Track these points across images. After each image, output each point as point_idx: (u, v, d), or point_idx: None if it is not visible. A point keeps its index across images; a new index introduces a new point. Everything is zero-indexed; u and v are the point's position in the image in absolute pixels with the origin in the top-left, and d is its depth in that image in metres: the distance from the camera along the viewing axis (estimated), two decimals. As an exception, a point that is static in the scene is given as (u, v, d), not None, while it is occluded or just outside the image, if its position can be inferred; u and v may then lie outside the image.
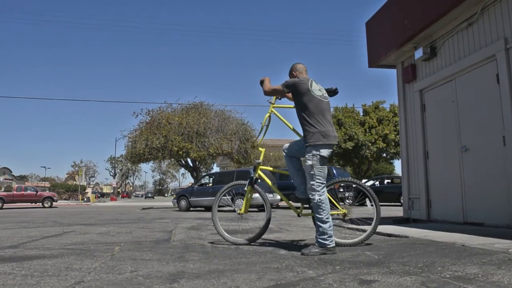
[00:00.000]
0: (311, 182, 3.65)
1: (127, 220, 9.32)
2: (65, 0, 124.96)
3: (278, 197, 14.72)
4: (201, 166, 24.28)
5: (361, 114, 24.59)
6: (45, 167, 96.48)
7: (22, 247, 4.21)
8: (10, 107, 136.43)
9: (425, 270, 2.69)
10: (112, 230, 6.29)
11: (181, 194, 15.93)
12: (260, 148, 4.58)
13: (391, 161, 27.41)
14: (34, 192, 23.69)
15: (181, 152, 18.49)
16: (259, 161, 4.31)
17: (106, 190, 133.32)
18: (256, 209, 14.25)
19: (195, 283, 2.44)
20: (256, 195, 4.41)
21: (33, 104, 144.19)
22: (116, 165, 69.19)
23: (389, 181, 19.18)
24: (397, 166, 66.82)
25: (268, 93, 3.98)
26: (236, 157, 20.51)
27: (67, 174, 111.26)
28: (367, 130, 23.10)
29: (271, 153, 34.99)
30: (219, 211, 4.50)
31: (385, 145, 22.74)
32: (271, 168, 4.58)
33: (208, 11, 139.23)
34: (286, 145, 4.10)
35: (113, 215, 12.53)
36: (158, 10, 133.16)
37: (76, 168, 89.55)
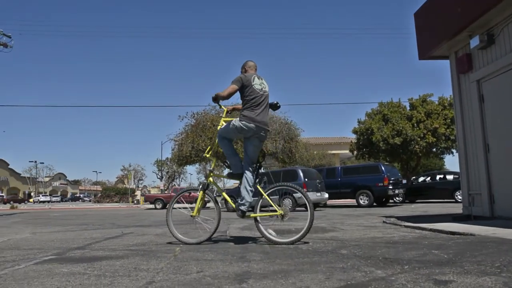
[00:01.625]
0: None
1: (179, 221, 9.51)
2: (103, 10, 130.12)
3: (326, 195, 14.54)
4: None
5: (408, 108, 23.81)
6: (96, 171, 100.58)
7: (89, 248, 4.38)
8: (63, 115, 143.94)
9: (504, 270, 2.54)
10: (167, 231, 6.42)
11: (228, 195, 16.11)
12: (211, 158, 5.12)
13: (442, 156, 26.31)
14: (188, 194, 25.06)
15: (226, 153, 18.77)
16: (211, 168, 4.96)
17: (153, 192, 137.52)
18: (303, 208, 14.17)
19: (263, 283, 2.43)
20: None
21: (84, 111, 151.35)
22: (162, 168, 70.85)
23: (441, 176, 18.44)
24: (448, 161, 64.09)
25: (227, 95, 4.45)
26: (281, 157, 20.49)
27: (116, 177, 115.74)
28: (415, 124, 22.32)
29: (315, 152, 34.67)
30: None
31: (434, 139, 21.87)
32: (223, 175, 5.30)
33: (247, 9, 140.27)
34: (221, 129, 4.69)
35: (164, 216, 12.83)
36: (192, 14, 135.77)
37: (125, 172, 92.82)
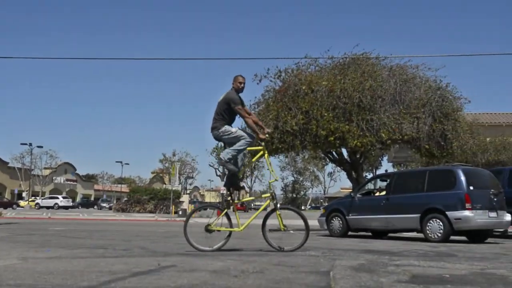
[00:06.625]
0: None
1: (251, 248, 9.66)
2: None
3: (508, 217, 13.91)
4: (365, 162, 24.14)
5: None
6: (121, 162, 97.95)
7: (106, 290, 4.59)
8: (69, 80, 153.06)
9: None
10: (231, 266, 6.53)
11: (333, 209, 15.92)
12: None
13: None
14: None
15: (332, 138, 18.25)
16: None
17: (209, 197, 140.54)
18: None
19: None
20: None
21: (101, 71, 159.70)
22: (225, 160, 71.96)
23: None
24: None
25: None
26: (426, 146, 19.55)
27: (152, 172, 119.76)
28: None
29: (487, 139, 33.36)
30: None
31: None
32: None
33: None
34: None
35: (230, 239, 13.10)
36: None
37: (166, 164, 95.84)
